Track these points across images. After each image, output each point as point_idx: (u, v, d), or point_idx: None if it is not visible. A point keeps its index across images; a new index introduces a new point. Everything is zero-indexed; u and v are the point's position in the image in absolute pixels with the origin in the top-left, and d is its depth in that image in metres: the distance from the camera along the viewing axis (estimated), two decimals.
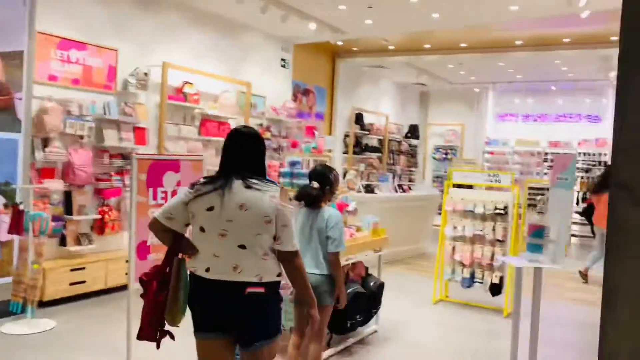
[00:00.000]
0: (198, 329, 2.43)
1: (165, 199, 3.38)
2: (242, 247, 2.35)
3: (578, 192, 12.27)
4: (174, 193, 3.44)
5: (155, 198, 3.32)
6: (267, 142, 8.71)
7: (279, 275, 2.45)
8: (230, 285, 2.34)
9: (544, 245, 2.46)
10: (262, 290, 2.36)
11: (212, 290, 2.36)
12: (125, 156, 6.33)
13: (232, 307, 2.35)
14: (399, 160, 13.02)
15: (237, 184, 2.40)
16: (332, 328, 4.59)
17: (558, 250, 2.39)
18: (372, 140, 12.02)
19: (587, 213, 8.89)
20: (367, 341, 4.88)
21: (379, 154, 11.98)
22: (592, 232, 9.18)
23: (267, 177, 2.55)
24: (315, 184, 3.59)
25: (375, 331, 5.12)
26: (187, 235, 2.52)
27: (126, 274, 5.98)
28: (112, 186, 6.16)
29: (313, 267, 3.46)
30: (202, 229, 2.39)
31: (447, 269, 6.36)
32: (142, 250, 3.24)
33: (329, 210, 3.58)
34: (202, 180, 2.48)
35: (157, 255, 3.34)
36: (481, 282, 6.17)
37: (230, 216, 2.34)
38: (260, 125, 8.75)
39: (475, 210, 6.16)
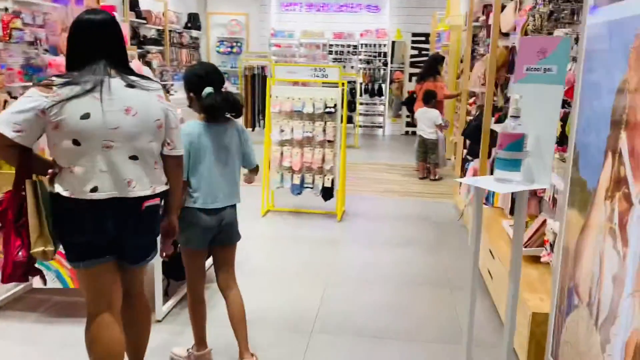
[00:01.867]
0: (81, 258, 2.17)
1: None
2: (134, 158, 2.13)
3: (361, 83, 12.57)
4: None
5: None
6: (19, 34, 6.66)
7: (166, 183, 2.28)
8: (124, 202, 2.12)
9: (522, 160, 1.89)
10: (157, 201, 2.23)
11: (101, 211, 2.09)
12: None
13: (126, 225, 2.16)
14: (180, 55, 11.52)
15: (116, 83, 2.09)
16: (168, 274, 3.63)
17: (541, 165, 1.84)
18: (151, 31, 10.27)
19: (409, 102, 8.99)
20: (207, 278, 4.03)
21: (161, 48, 10.35)
22: (413, 121, 9.36)
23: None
24: (209, 89, 2.61)
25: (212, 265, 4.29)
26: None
27: None
28: None
29: (233, 198, 2.79)
30: (76, 142, 2.03)
31: (276, 176, 5.72)
32: None
33: (236, 122, 2.79)
34: (57, 80, 2.03)
35: None
36: (311, 187, 5.71)
37: (115, 123, 2.05)
38: (5, 10, 6.50)
39: (304, 109, 5.51)
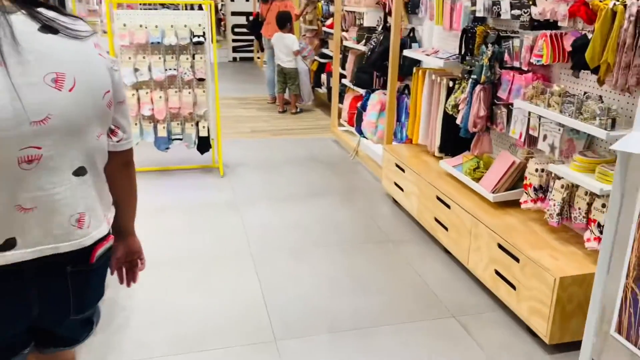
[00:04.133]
0: None
1: None
2: (80, 172, 1.14)
3: None
4: None
5: None
6: None
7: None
8: (62, 257, 1.14)
9: None
10: (111, 241, 1.28)
11: (20, 280, 1.11)
12: None
13: (62, 294, 1.18)
14: None
15: (22, 25, 1.03)
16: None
17: None
18: None
19: (255, 26, 7.95)
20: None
21: None
22: (261, 46, 8.50)
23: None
24: None
25: None
26: None
27: None
28: None
29: None
30: None
31: (134, 129, 4.48)
32: None
33: None
34: None
35: None
36: (181, 139, 4.63)
37: (39, 108, 1.03)
38: None
39: (165, 41, 4.29)
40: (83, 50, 1.12)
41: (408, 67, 4.29)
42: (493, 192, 3.03)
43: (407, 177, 3.81)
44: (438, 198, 3.36)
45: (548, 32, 2.59)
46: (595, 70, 2.27)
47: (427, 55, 3.79)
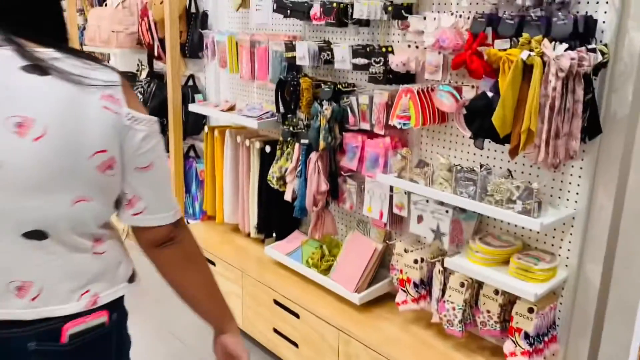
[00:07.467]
0: None
1: None
2: (36, 235, 0.92)
3: None
4: None
5: None
6: None
7: (132, 279, 1.11)
8: (25, 335, 0.93)
9: None
10: (101, 318, 1.01)
11: None
12: None
13: None
14: None
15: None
16: None
17: None
18: None
19: None
20: None
21: None
22: None
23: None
24: None
25: None
26: None
27: None
28: None
29: None
30: None
31: None
32: None
33: None
34: None
35: None
36: None
37: None
38: None
39: None
40: (77, 99, 0.89)
41: (193, 124, 3.36)
42: (357, 292, 2.32)
43: (220, 271, 2.86)
44: (277, 302, 2.51)
45: (415, 88, 2.01)
46: (504, 139, 1.74)
47: (223, 110, 2.92)
